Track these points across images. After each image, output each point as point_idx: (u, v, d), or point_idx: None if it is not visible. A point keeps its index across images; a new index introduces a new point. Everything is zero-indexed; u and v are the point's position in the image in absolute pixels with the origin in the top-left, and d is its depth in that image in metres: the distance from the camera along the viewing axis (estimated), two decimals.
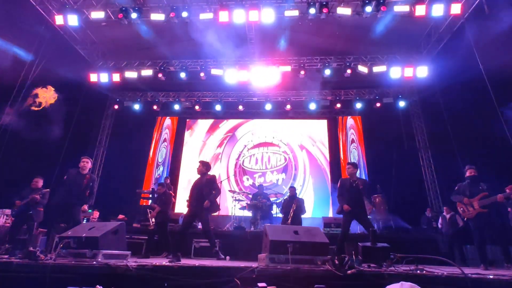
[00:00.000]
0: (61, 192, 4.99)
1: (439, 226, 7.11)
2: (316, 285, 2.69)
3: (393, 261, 3.47)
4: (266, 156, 11.55)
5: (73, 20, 8.08)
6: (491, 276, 2.80)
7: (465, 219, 5.05)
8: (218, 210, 5.24)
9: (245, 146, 11.88)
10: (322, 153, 11.55)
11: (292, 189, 7.54)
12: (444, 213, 7.02)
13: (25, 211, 5.51)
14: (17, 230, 5.61)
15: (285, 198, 7.88)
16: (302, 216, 7.31)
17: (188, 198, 5.07)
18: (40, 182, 5.86)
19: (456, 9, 7.41)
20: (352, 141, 11.76)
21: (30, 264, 3.18)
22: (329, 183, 10.94)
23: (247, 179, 11.29)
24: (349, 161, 6.51)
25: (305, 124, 12.18)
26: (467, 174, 5.04)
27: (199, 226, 7.47)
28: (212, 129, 12.46)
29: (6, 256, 3.82)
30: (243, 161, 11.64)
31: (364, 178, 9.69)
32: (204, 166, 5.07)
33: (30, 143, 8.57)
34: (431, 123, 10.66)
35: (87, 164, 5.24)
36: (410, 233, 6.97)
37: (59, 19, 8.08)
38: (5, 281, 3.12)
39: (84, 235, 3.61)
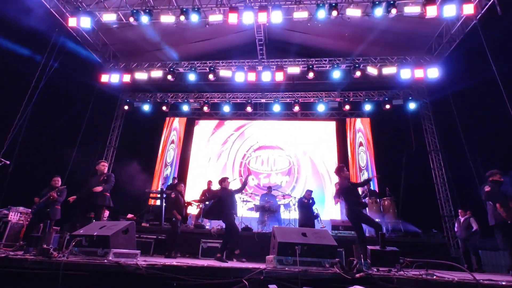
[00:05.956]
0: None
1: (455, 230, 6.95)
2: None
3: (403, 265, 3.42)
4: (272, 159, 11.61)
5: (85, 22, 8.25)
6: (503, 283, 2.74)
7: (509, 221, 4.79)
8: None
9: (251, 146, 11.93)
10: (329, 156, 11.48)
11: (309, 192, 7.45)
12: (459, 216, 6.84)
13: (43, 209, 5.66)
14: (34, 227, 5.74)
15: (302, 199, 7.57)
16: None
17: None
18: (59, 181, 6.01)
19: (468, 9, 7.23)
20: (360, 144, 11.66)
21: (44, 261, 3.26)
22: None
23: (252, 178, 11.34)
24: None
25: (313, 126, 12.13)
26: (496, 178, 4.77)
27: (207, 226, 7.54)
28: (218, 127, 12.55)
29: (20, 253, 3.92)
30: (249, 161, 11.70)
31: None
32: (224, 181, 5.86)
33: (43, 143, 8.79)
34: (442, 125, 10.49)
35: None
36: (420, 237, 6.84)
37: (72, 21, 8.26)
38: (19, 277, 3.20)
39: (95, 233, 3.67)
